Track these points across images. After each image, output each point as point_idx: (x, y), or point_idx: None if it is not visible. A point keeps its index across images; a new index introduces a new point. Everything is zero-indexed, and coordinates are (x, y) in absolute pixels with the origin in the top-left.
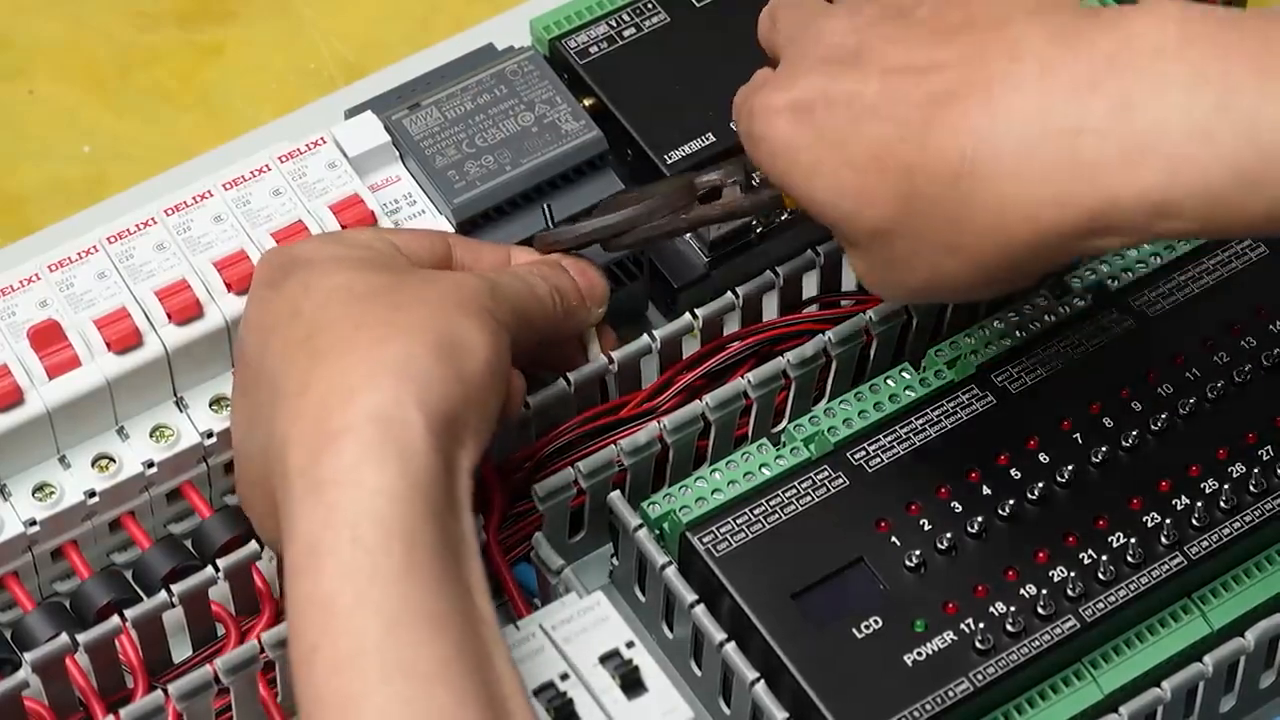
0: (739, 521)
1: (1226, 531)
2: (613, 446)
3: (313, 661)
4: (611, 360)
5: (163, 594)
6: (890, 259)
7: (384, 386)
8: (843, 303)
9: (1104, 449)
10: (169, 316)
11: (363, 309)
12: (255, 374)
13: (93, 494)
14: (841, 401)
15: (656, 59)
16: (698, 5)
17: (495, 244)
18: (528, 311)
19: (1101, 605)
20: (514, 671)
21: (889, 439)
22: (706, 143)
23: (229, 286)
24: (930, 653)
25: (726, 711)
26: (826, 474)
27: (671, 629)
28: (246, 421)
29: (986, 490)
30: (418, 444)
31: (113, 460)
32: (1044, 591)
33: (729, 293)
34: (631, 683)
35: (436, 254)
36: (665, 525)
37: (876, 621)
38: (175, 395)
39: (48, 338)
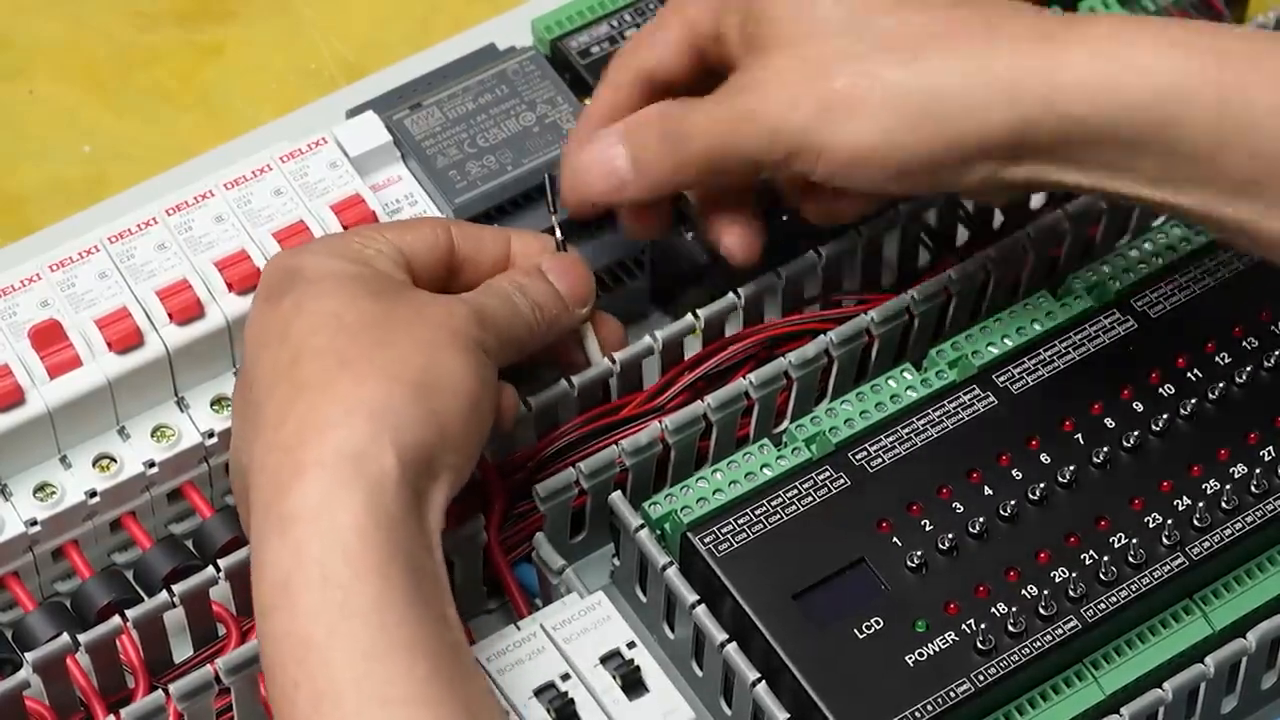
0: (740, 522)
1: (1228, 532)
2: (614, 447)
3: (295, 699)
4: (614, 361)
5: (164, 594)
6: None
7: (358, 424)
8: (844, 303)
9: (1105, 449)
10: (170, 316)
11: (348, 343)
12: (247, 388)
13: (94, 494)
14: (843, 402)
15: None
16: None
17: (495, 229)
18: (513, 331)
19: (1103, 606)
20: (492, 697)
21: (890, 439)
22: None
23: (230, 286)
24: (931, 653)
25: (728, 712)
26: (828, 474)
27: (673, 629)
28: (238, 429)
29: (988, 490)
30: (388, 479)
31: (114, 460)
32: (1045, 592)
33: (730, 293)
34: (632, 683)
35: (440, 249)
36: (666, 525)
37: (878, 622)
38: (176, 395)
39: (49, 337)
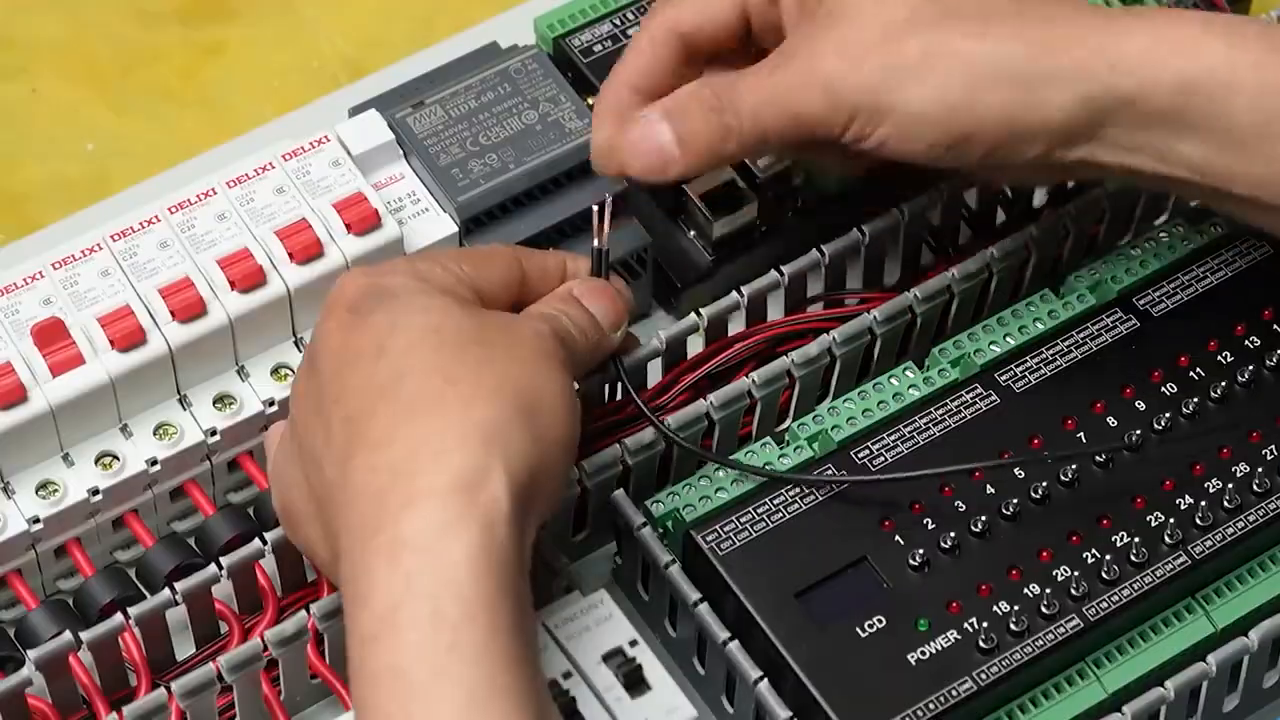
0: (743, 520)
1: (1230, 531)
2: (617, 445)
3: None
4: (620, 364)
5: (166, 592)
6: None
7: (473, 451)
8: (846, 302)
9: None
10: (172, 314)
11: (451, 360)
12: (329, 402)
13: (96, 492)
14: (845, 400)
15: None
16: None
17: (553, 254)
18: (577, 354)
19: (1105, 605)
20: None
21: (893, 438)
22: None
23: (232, 284)
24: (934, 652)
25: (730, 710)
26: (830, 473)
27: (675, 628)
28: (311, 445)
29: (990, 489)
30: (500, 513)
31: (116, 458)
32: (1047, 591)
33: (733, 292)
34: (634, 681)
35: (512, 278)
36: (669, 524)
37: (880, 620)
38: (179, 393)
39: (51, 335)
